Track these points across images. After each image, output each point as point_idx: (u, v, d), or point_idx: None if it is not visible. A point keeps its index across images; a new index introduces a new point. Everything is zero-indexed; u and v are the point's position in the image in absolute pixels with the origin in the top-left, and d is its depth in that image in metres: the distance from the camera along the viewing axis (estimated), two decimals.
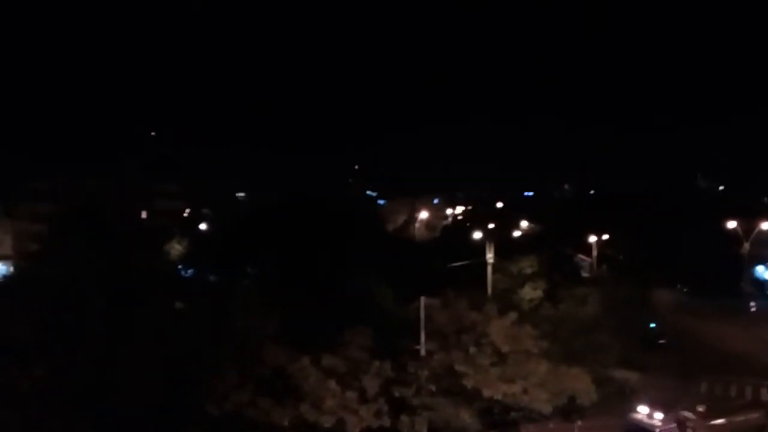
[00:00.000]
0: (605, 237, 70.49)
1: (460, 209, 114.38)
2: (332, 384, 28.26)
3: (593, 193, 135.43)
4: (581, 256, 64.48)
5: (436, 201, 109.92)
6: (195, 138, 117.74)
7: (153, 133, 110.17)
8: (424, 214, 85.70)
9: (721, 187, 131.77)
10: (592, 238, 65.54)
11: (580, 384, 33.63)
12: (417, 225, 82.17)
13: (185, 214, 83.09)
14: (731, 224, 67.15)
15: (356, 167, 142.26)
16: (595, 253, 64.53)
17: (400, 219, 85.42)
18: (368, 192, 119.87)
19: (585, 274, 59.18)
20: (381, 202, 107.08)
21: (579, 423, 35.03)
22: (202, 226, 71.91)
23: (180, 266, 49.04)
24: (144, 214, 65.32)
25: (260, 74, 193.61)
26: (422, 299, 33.19)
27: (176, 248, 53.90)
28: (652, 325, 54.69)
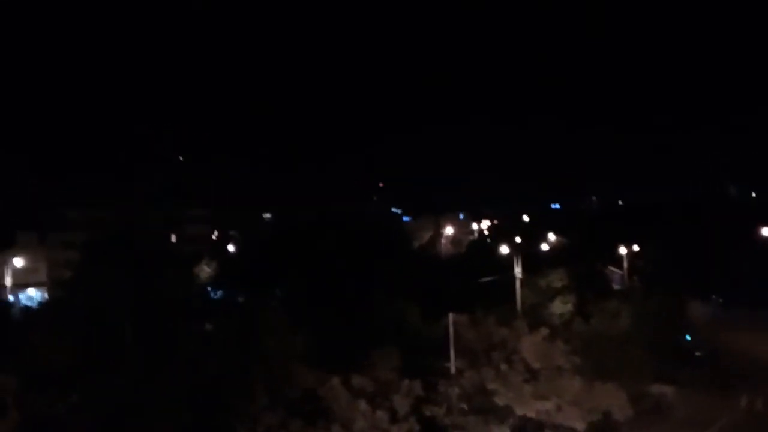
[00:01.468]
0: (636, 249, 69.35)
1: (485, 224, 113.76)
2: (362, 404, 28.10)
3: (622, 204, 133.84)
4: (612, 268, 63.49)
5: (461, 216, 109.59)
6: (219, 161, 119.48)
7: (181, 158, 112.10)
8: (449, 230, 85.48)
9: (753, 194, 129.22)
10: (623, 250, 64.54)
11: (615, 400, 32.92)
12: (443, 241, 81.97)
13: (213, 237, 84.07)
14: (766, 232, 65.58)
15: (380, 185, 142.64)
16: (626, 265, 63.48)
17: (426, 235, 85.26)
18: (393, 209, 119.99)
19: (616, 287, 58.17)
20: (406, 219, 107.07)
21: None
22: (230, 248, 72.69)
23: (209, 288, 49.54)
24: (174, 238, 66.24)
25: (280, 92, 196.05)
26: (450, 316, 32.96)
27: (205, 271, 54.52)
28: (688, 338, 53.49)
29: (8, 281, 47.94)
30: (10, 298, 47.77)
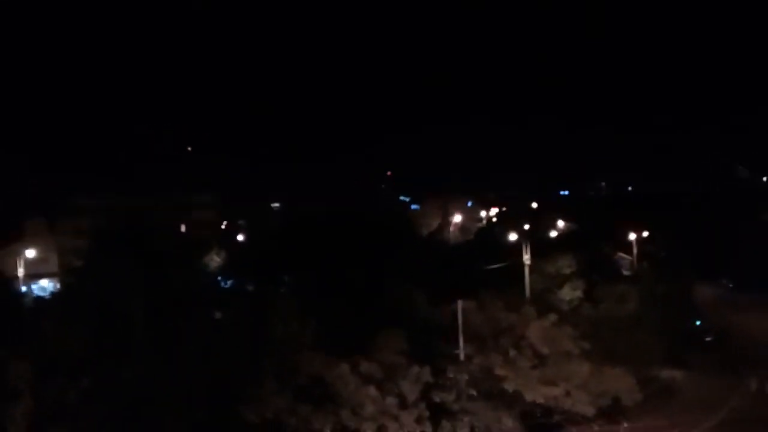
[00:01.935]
0: (645, 234, 69.05)
1: (494, 211, 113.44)
2: (371, 390, 28.31)
3: (631, 190, 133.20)
4: (621, 254, 63.28)
5: (469, 203, 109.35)
6: (226, 150, 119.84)
7: (189, 149, 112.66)
8: (457, 217, 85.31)
9: (765, 178, 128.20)
10: (632, 236, 64.27)
11: (624, 384, 33.03)
12: (451, 228, 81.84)
13: (222, 226, 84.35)
14: None
15: (388, 173, 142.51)
16: (635, 250, 63.24)
17: (434, 223, 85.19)
18: (401, 197, 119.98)
19: (626, 273, 58.01)
20: (414, 206, 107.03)
21: (625, 425, 34.37)
22: (240, 237, 72.90)
23: (219, 277, 49.74)
24: (183, 227, 66.43)
25: (285, 81, 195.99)
26: (459, 303, 33.05)
27: (215, 260, 54.67)
28: (698, 322, 53.41)
29: (20, 272, 48.34)
30: (23, 288, 48.18)
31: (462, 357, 32.20)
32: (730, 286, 71.22)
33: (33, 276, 55.11)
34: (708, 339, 51.20)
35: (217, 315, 33.16)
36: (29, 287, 51.76)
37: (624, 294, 42.33)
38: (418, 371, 29.73)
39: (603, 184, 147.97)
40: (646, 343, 38.16)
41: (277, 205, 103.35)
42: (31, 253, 55.46)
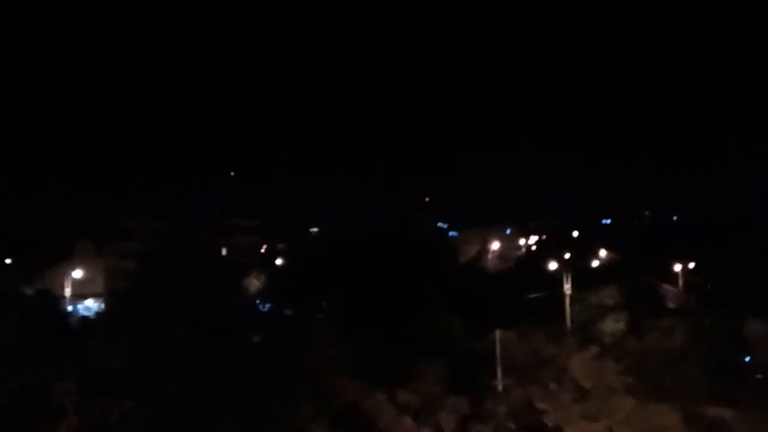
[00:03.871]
0: (692, 265, 67.20)
1: (533, 239, 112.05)
2: (408, 420, 28.02)
3: (677, 219, 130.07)
4: (666, 285, 61.62)
5: (508, 231, 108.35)
6: (268, 174, 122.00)
7: (232, 173, 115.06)
8: (496, 245, 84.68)
9: None
10: (678, 267, 62.58)
11: (669, 421, 31.94)
12: (490, 256, 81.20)
13: (262, 250, 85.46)
14: None
15: (426, 199, 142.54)
16: (681, 281, 61.53)
17: (473, 250, 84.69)
18: (439, 224, 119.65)
19: (671, 305, 56.37)
20: (452, 233, 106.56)
21: None
22: (278, 261, 73.71)
23: (258, 301, 50.24)
24: (224, 251, 67.54)
25: (326, 111, 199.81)
26: (497, 332, 32.61)
27: (254, 283, 55.30)
28: (747, 358, 51.37)
29: (67, 292, 49.82)
30: (69, 308, 49.55)
31: (500, 388, 31.65)
32: None
33: (79, 296, 56.71)
34: (759, 376, 49.14)
35: (256, 338, 33.43)
36: (75, 307, 53.27)
37: (670, 327, 41.08)
38: (456, 402, 29.30)
39: (647, 212, 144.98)
40: (692, 379, 36.86)
41: (315, 229, 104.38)
42: (78, 273, 57.15)
